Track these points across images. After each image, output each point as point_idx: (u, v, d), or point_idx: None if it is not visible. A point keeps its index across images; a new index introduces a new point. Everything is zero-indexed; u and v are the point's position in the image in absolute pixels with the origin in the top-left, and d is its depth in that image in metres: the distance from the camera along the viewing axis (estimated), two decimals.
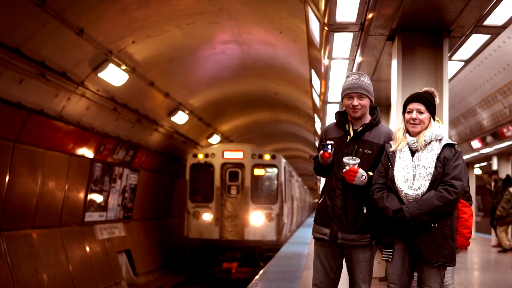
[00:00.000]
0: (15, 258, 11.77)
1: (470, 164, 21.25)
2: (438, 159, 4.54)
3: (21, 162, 11.89)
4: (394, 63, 6.70)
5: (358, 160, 4.70)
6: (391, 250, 4.63)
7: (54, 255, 13.49)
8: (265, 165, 19.79)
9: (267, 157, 19.75)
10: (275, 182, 19.90)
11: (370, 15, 6.27)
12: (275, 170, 19.89)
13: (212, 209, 19.26)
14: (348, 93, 4.82)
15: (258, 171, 19.75)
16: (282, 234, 19.77)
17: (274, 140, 35.47)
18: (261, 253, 19.06)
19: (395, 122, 6.73)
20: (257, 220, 19.26)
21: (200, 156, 19.66)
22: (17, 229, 12.20)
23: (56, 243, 13.76)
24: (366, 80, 4.85)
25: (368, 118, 4.89)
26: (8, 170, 11.52)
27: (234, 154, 19.68)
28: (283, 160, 20.67)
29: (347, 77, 4.90)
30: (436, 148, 4.58)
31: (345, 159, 4.71)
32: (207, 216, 19.19)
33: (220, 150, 19.73)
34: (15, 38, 10.28)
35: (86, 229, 15.42)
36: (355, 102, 4.79)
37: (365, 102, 4.82)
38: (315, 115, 18.10)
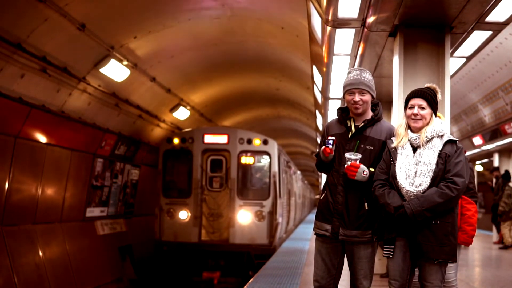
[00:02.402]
0: (16, 254, 11.79)
1: (471, 161, 21.25)
2: (439, 155, 4.54)
3: (22, 157, 11.90)
4: (396, 59, 6.70)
5: (359, 156, 4.70)
6: (392, 247, 4.63)
7: (55, 251, 13.51)
8: (255, 152, 16.48)
9: (257, 142, 16.37)
10: (267, 173, 16.52)
11: (372, 11, 6.26)
12: (267, 158, 16.54)
13: (190, 205, 15.99)
14: (349, 89, 4.82)
15: (246, 159, 16.51)
16: (276, 236, 16.40)
17: (275, 136, 35.34)
18: (249, 259, 15.82)
19: (396, 118, 6.73)
20: (245, 219, 15.96)
21: (176, 141, 16.34)
22: (18, 225, 12.22)
23: (57, 239, 13.78)
24: (367, 76, 4.85)
25: (369, 114, 4.89)
26: (10, 165, 11.53)
27: (217, 138, 16.39)
28: (278, 147, 17.19)
29: (349, 73, 4.90)
30: (438, 145, 4.58)
31: (346, 155, 4.71)
32: (183, 215, 15.95)
33: (200, 134, 16.42)
34: (17, 33, 10.27)
35: (87, 224, 15.44)
36: (357, 98, 4.78)
37: (367, 98, 4.81)
38: (317, 111, 18.08)
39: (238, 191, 16.18)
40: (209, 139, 16.34)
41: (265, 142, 16.44)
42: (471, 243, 5.25)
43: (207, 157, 16.34)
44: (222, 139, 16.38)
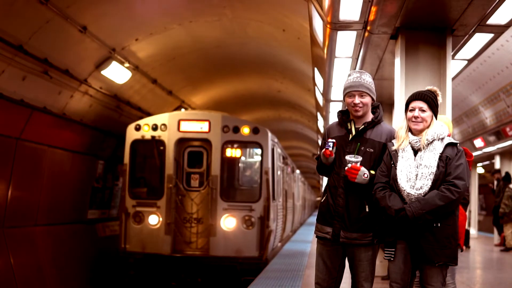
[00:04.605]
0: (17, 255, 11.80)
1: (472, 163, 21.22)
2: (440, 158, 4.54)
3: (23, 159, 11.91)
4: (397, 61, 6.71)
5: (360, 158, 4.70)
6: (393, 249, 4.63)
7: (56, 253, 13.51)
8: (243, 143, 13.42)
9: (246, 130, 13.11)
10: (258, 169, 13.43)
11: (373, 14, 6.27)
12: (258, 150, 13.51)
13: (161, 209, 12.88)
14: (349, 91, 4.82)
15: (232, 152, 13.44)
16: (268, 247, 13.26)
17: (276, 138, 35.48)
18: (235, 275, 12.89)
19: (398, 120, 6.74)
20: (229, 226, 12.87)
21: (146, 128, 13.13)
22: (20, 227, 12.22)
23: (59, 241, 13.78)
24: (367, 78, 4.85)
25: (370, 117, 4.89)
26: (11, 167, 11.54)
27: (196, 126, 13.14)
28: (271, 137, 13.93)
29: (349, 75, 4.91)
30: (439, 147, 4.58)
31: (347, 157, 4.71)
32: (154, 220, 12.88)
33: (175, 120, 13.20)
34: (18, 35, 10.29)
35: (88, 226, 15.44)
36: (357, 100, 4.79)
37: (367, 100, 4.82)
38: (318, 113, 18.11)
39: (221, 192, 13.04)
40: (186, 126, 13.19)
41: (255, 131, 13.20)
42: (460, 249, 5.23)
43: (184, 148, 13.28)
44: (202, 126, 13.17)
